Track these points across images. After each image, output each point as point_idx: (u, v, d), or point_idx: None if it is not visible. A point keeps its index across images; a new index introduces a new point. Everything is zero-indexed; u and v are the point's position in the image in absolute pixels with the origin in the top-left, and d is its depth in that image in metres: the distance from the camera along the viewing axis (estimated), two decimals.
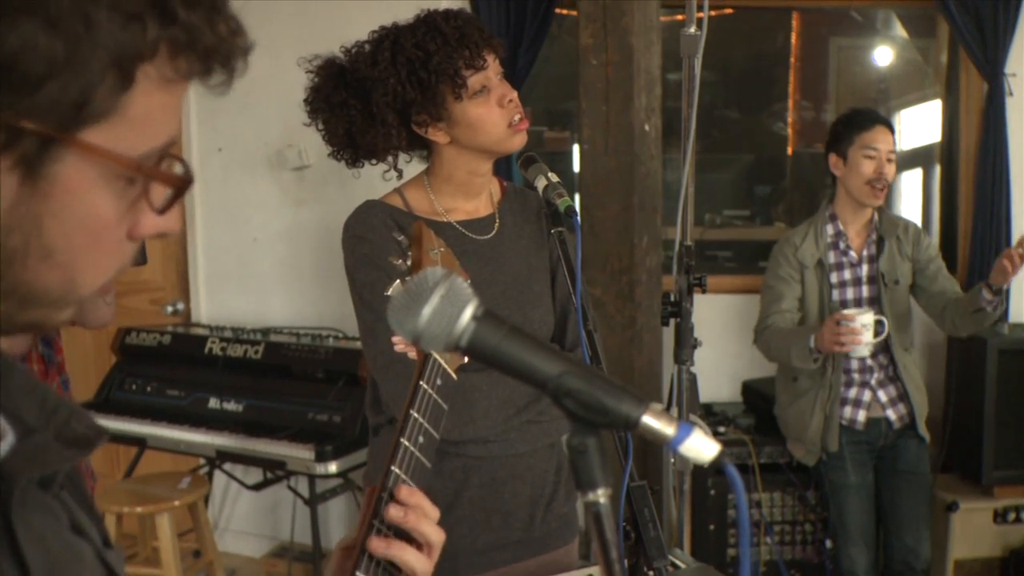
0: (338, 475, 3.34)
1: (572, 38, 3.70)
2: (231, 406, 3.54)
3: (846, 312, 2.96)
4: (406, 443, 0.96)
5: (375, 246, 1.82)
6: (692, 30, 2.30)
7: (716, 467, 0.90)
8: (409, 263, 1.07)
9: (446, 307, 0.92)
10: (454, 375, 1.05)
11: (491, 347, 0.93)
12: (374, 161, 1.90)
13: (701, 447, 0.89)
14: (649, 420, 0.90)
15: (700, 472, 3.25)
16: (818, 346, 2.98)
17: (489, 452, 1.87)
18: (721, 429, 3.63)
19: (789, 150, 5.81)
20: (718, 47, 5.38)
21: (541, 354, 0.93)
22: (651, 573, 1.66)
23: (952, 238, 4.08)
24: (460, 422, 1.80)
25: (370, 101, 1.80)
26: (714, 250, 4.99)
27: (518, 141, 1.87)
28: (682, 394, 2.44)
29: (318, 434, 3.35)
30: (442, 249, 1.10)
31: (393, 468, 0.94)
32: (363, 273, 1.81)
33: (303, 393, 3.48)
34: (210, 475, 3.82)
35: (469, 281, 1.91)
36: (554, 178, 1.89)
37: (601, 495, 0.92)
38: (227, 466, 3.84)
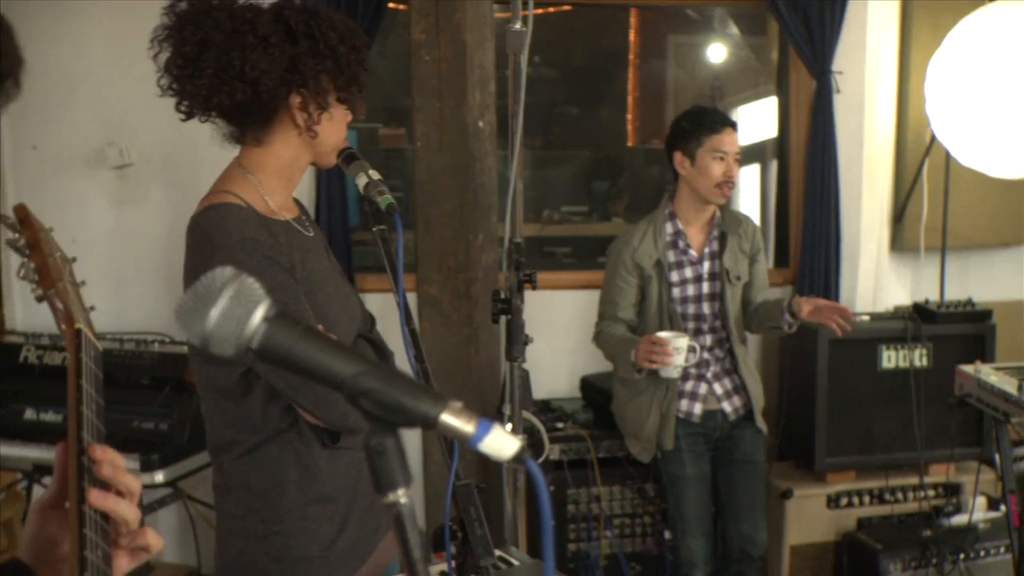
0: (167, 484, 3.22)
1: (406, 33, 3.65)
2: (49, 416, 3.37)
3: (662, 335, 3.00)
4: (87, 412, 1.07)
5: (270, 246, 1.73)
6: (518, 26, 2.30)
7: (518, 461, 0.89)
8: (24, 243, 1.12)
9: (235, 308, 0.89)
10: (98, 345, 1.17)
11: (284, 348, 0.90)
12: (184, 106, 1.77)
13: (501, 444, 0.89)
14: (448, 418, 0.89)
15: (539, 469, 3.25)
16: (636, 361, 3.04)
17: None
18: (560, 424, 3.64)
19: (628, 145, 5.92)
20: (557, 44, 5.44)
21: (336, 354, 0.91)
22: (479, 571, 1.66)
23: (787, 231, 4.22)
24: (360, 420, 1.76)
25: (242, 44, 1.70)
26: (553, 246, 5.03)
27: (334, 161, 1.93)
28: (515, 391, 2.45)
29: (144, 443, 3.22)
30: (51, 230, 1.16)
31: (84, 435, 1.04)
32: (269, 277, 1.67)
33: (128, 400, 3.36)
34: (28, 490, 3.61)
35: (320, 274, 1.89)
36: (375, 175, 1.86)
37: (401, 495, 0.90)
38: (47, 480, 3.63)
